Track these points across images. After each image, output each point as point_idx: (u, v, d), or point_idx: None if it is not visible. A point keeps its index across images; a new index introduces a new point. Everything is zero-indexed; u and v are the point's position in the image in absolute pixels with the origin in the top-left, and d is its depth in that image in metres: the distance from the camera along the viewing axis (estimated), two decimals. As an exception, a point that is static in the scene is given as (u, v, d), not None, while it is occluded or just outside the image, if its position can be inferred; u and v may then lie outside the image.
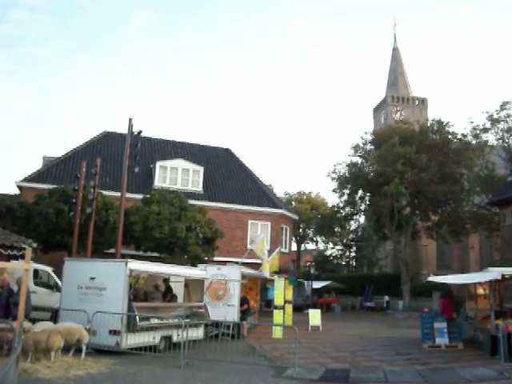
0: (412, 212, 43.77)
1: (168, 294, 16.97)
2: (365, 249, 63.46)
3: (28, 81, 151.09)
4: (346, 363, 14.36)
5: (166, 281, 17.26)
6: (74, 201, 21.97)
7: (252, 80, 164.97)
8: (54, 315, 15.99)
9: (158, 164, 35.53)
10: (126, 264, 14.09)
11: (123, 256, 18.65)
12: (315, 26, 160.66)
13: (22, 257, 13.63)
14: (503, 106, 39.42)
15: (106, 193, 25.81)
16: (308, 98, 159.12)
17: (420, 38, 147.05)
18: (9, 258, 14.72)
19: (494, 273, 15.77)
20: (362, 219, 56.92)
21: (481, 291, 20.37)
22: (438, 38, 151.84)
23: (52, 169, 33.49)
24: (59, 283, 17.49)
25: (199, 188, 35.99)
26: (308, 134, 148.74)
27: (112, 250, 22.12)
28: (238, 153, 43.25)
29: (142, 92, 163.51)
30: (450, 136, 42.08)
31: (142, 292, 16.74)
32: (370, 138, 46.28)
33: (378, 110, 76.38)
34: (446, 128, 42.32)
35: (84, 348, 12.49)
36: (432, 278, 21.39)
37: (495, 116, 39.82)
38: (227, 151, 42.53)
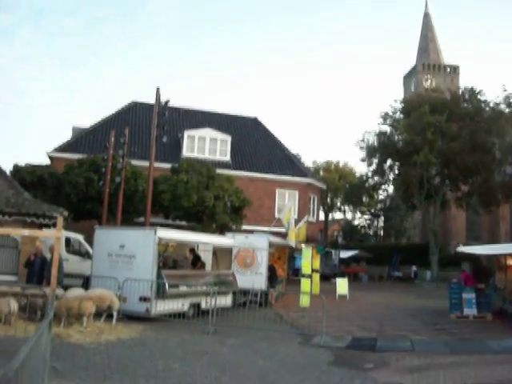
0: (442, 182, 43.22)
1: (198, 262, 17.15)
2: (393, 218, 63.19)
3: (57, 52, 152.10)
4: (372, 332, 14.41)
5: (193, 250, 17.41)
6: (103, 170, 22.28)
7: (280, 48, 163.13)
8: (86, 282, 16.35)
9: (186, 133, 35.63)
10: (155, 232, 14.24)
11: (152, 224, 18.87)
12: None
13: (54, 225, 13.89)
14: (538, 73, 38.28)
15: (134, 162, 26.02)
16: (337, 64, 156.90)
17: (452, 2, 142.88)
18: (41, 227, 15.07)
19: (526, 243, 15.52)
20: (391, 189, 56.52)
21: (511, 262, 20.12)
22: (469, 3, 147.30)
23: (81, 139, 33.88)
24: (90, 251, 17.82)
25: (227, 157, 36.04)
26: (337, 102, 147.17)
27: (141, 219, 22.45)
28: (265, 122, 43.10)
29: (169, 62, 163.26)
30: (482, 104, 41.16)
31: (170, 260, 16.98)
32: (399, 106, 45.56)
33: (408, 77, 74.86)
34: (478, 96, 41.39)
35: (115, 314, 12.75)
36: (461, 249, 21.19)
37: (530, 83, 38.69)
38: (255, 120, 42.36)
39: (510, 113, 39.81)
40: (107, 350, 9.76)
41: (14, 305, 11.04)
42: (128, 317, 13.35)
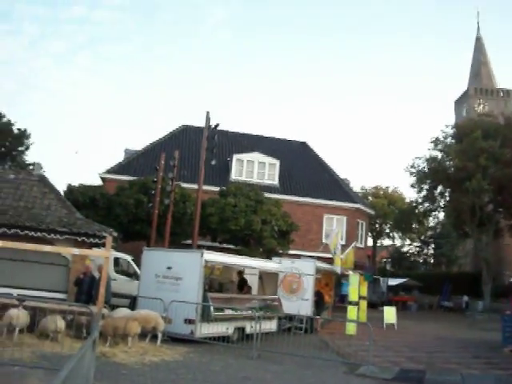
0: (495, 209, 42.06)
1: (244, 286, 17.12)
2: (443, 246, 61.60)
3: (111, 77, 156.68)
4: (421, 364, 13.99)
5: (241, 273, 17.42)
6: (153, 192, 22.65)
7: (330, 72, 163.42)
8: (133, 302, 16.52)
9: (235, 157, 35.93)
10: (202, 255, 14.32)
11: (200, 247, 19.02)
12: (394, 15, 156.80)
13: (104, 245, 14.13)
14: None
15: (183, 185, 26.37)
16: (388, 88, 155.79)
17: (505, 26, 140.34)
18: (91, 246, 15.35)
19: None
20: (441, 215, 55.29)
21: None
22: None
23: (133, 161, 34.63)
24: (138, 272, 18.02)
25: (275, 181, 36.10)
26: (387, 127, 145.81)
27: (189, 241, 22.63)
28: (314, 146, 43.07)
29: (219, 86, 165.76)
30: (537, 128, 39.96)
31: (216, 283, 17.01)
32: (451, 131, 44.78)
33: (459, 102, 73.55)
34: (533, 121, 40.26)
35: (160, 335, 12.82)
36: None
37: None
38: (303, 144, 42.39)
39: None
40: (151, 371, 9.80)
41: (60, 323, 11.25)
42: (173, 339, 13.40)
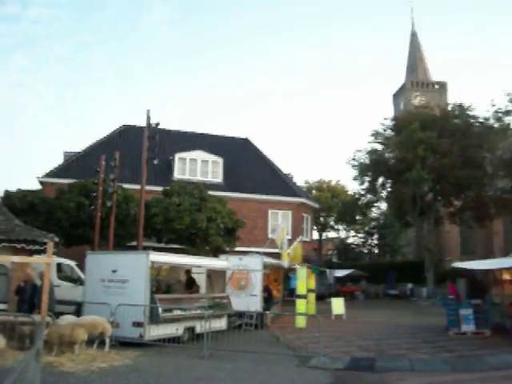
0: (434, 198, 43.21)
1: (193, 285, 16.94)
2: (387, 236, 62.98)
3: (47, 77, 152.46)
4: (371, 352, 14.19)
5: (188, 272, 17.24)
6: (94, 195, 22.15)
7: (268, 68, 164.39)
8: (78, 309, 16.07)
9: (177, 156, 35.58)
10: (148, 256, 14.08)
11: (145, 248, 18.74)
12: (331, 10, 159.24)
13: (45, 251, 13.70)
14: (526, 88, 38.56)
15: (125, 186, 25.88)
16: (327, 83, 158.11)
17: (438, 21, 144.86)
18: (32, 253, 14.84)
19: (521, 257, 15.43)
20: (384, 206, 56.44)
21: (507, 277, 20.02)
22: (455, 20, 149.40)
23: (72, 164, 33.75)
24: (82, 277, 17.58)
25: (219, 179, 35.97)
26: (327, 121, 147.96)
27: (134, 243, 22.25)
28: (256, 142, 43.14)
29: (158, 85, 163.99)
30: (471, 120, 41.29)
31: (164, 283, 16.76)
32: (390, 123, 45.66)
33: (397, 95, 75.41)
34: (468, 112, 41.51)
35: (107, 340, 12.51)
36: (457, 264, 21.08)
37: (517, 98, 38.84)
38: (246, 141, 42.41)
39: (499, 127, 39.95)
40: (100, 378, 9.54)
41: (1, 341, 10.73)
42: (121, 343, 13.11)
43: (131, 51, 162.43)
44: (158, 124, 20.02)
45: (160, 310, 13.64)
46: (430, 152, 39.20)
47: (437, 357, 13.32)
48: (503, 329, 17.54)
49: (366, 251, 71.04)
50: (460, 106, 42.03)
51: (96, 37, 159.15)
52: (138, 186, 22.28)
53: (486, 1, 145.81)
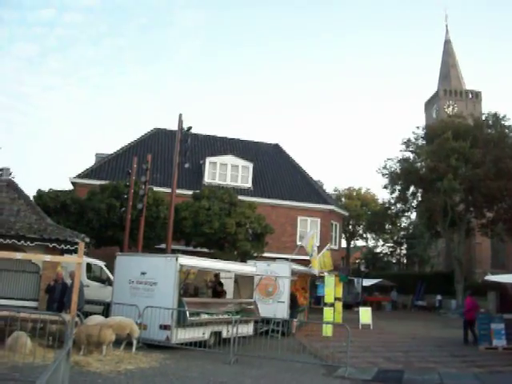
0: (466, 209, 42.56)
1: (222, 289, 16.96)
2: (416, 246, 62.18)
3: (81, 81, 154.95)
4: (398, 364, 13.99)
5: (217, 276, 17.26)
6: (125, 196, 22.35)
7: (303, 74, 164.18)
8: (106, 309, 16.21)
9: (208, 160, 35.73)
10: (177, 259, 14.12)
11: (173, 251, 18.78)
12: (367, 17, 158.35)
13: (76, 251, 13.85)
14: None
15: (156, 189, 26.10)
16: (359, 91, 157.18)
17: (473, 29, 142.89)
18: (63, 253, 15.03)
19: (557, 272, 15.04)
20: (414, 216, 55.81)
21: (540, 291, 19.56)
22: (490, 29, 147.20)
23: (104, 165, 34.17)
24: (111, 277, 17.72)
25: (248, 184, 36.00)
26: (359, 128, 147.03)
27: (163, 246, 22.37)
28: (287, 148, 43.12)
29: (191, 89, 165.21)
30: (506, 130, 40.61)
31: (192, 287, 16.79)
32: (421, 132, 45.23)
33: (429, 104, 74.51)
34: (502, 122, 40.89)
35: (135, 342, 12.59)
36: (489, 277, 20.67)
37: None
38: (276, 147, 42.40)
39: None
40: (127, 380, 9.57)
41: (28, 343, 10.79)
42: (148, 345, 13.18)
43: (164, 55, 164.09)
44: (190, 128, 20.10)
45: (187, 313, 13.66)
46: (463, 162, 38.66)
47: (467, 371, 13.05)
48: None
49: (394, 261, 70.31)
50: (494, 115, 41.38)
51: (129, 41, 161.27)
52: (168, 189, 22.43)
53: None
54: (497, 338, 17.14)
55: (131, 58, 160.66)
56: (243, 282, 17.97)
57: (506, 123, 40.78)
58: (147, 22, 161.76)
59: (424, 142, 43.97)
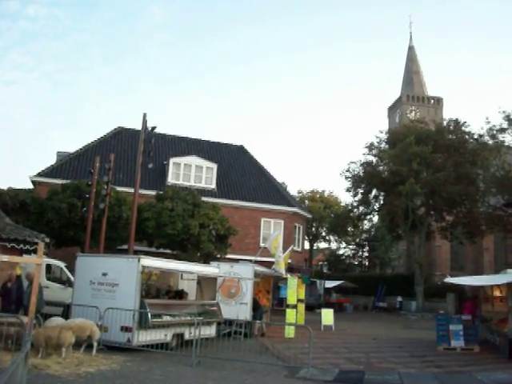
0: (427, 212, 43.35)
1: (171, 292, 16.90)
2: (378, 249, 63.03)
3: (44, 76, 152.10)
4: (360, 364, 14.13)
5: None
6: (87, 196, 21.97)
7: (266, 77, 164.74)
8: (66, 311, 15.92)
9: (172, 160, 35.46)
10: (139, 260, 13.97)
11: (136, 252, 18.59)
12: (331, 23, 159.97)
13: (35, 251, 13.57)
14: (521, 106, 38.80)
15: (119, 188, 25.76)
16: (322, 95, 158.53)
17: (436, 36, 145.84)
18: (22, 253, 14.65)
19: (514, 275, 15.44)
20: (376, 219, 56.58)
21: (497, 293, 20.03)
22: (453, 37, 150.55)
23: (66, 164, 33.56)
24: (72, 278, 17.43)
25: (213, 185, 35.87)
26: (322, 132, 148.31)
27: (125, 246, 22.11)
28: (251, 150, 43.13)
29: (155, 89, 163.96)
30: (466, 136, 41.54)
31: (154, 289, 16.63)
32: (384, 136, 45.96)
33: (392, 109, 75.71)
34: (463, 128, 41.80)
35: (95, 344, 12.40)
36: (449, 279, 21.10)
37: (512, 116, 39.11)
38: (241, 148, 42.38)
39: (493, 144, 40.18)
40: (86, 383, 9.41)
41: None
42: (109, 347, 13.00)
43: (129, 53, 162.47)
44: (154, 128, 19.93)
45: (149, 315, 13.52)
46: (424, 166, 39.43)
47: (426, 372, 13.29)
48: (492, 345, 17.54)
49: (356, 263, 71.08)
50: (455, 121, 42.28)
51: (94, 37, 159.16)
52: (131, 190, 22.18)
53: (483, 20, 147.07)
54: (455, 339, 17.47)
55: (96, 54, 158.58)
56: (206, 284, 17.88)
57: (466, 129, 41.74)
58: (114, 17, 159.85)
59: (387, 146, 44.64)
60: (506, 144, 40.45)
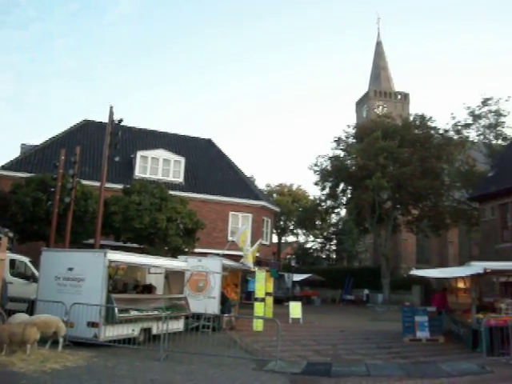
0: (393, 206, 43.95)
1: (139, 286, 16.77)
2: (345, 242, 63.66)
3: (7, 66, 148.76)
4: (327, 356, 14.25)
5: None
6: (52, 190, 21.59)
7: (235, 71, 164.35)
8: (31, 307, 15.63)
9: (139, 154, 35.08)
10: (105, 254, 13.81)
11: (102, 247, 18.36)
12: (300, 18, 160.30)
13: (-2, 246, 13.27)
14: (485, 103, 39.54)
15: (85, 182, 25.36)
16: (291, 90, 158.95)
17: (403, 32, 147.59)
18: (-16, 248, 14.35)
19: (477, 267, 15.75)
20: (343, 212, 57.11)
21: (461, 285, 20.48)
22: (420, 33, 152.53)
23: (30, 157, 32.89)
24: (36, 274, 17.12)
25: (180, 179, 35.64)
26: (291, 126, 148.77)
27: (91, 241, 21.84)
28: (220, 144, 42.97)
29: (123, 81, 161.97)
30: (432, 131, 42.26)
31: (121, 283, 16.46)
32: (352, 131, 46.40)
33: (360, 103, 76.37)
34: (429, 123, 42.50)
35: (61, 340, 12.22)
36: (414, 272, 21.44)
37: (477, 112, 39.96)
38: (209, 142, 42.19)
39: (458, 140, 40.99)
40: (52, 379, 9.30)
41: None
42: (75, 343, 12.82)
43: (96, 43, 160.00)
44: (120, 120, 19.66)
45: (116, 310, 13.38)
46: (391, 161, 39.94)
47: (392, 362, 13.49)
48: (456, 336, 17.91)
49: (324, 256, 71.68)
50: (421, 116, 42.93)
51: (60, 28, 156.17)
52: (97, 183, 21.91)
53: (451, 16, 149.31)
54: (420, 330, 17.79)
55: (61, 45, 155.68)
56: (174, 278, 17.79)
57: (432, 124, 42.46)
58: (79, 7, 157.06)
59: (354, 141, 45.07)
60: (471, 139, 41.37)
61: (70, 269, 14.10)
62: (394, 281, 43.89)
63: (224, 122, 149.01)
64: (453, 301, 20.55)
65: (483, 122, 40.22)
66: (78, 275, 13.94)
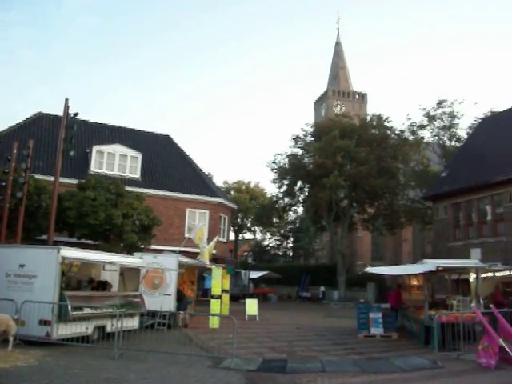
0: (349, 204, 44.54)
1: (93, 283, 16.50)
2: (302, 240, 64.18)
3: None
4: (283, 353, 14.31)
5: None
6: (3, 184, 21.00)
7: (192, 68, 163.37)
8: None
9: (95, 148, 34.42)
10: (58, 251, 13.50)
11: (56, 243, 17.97)
12: (259, 15, 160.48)
13: None
14: (440, 104, 40.50)
15: (38, 177, 24.72)
16: (251, 87, 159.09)
17: (362, 34, 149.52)
18: None
19: (429, 264, 16.11)
20: (301, 210, 57.52)
21: (414, 282, 20.91)
22: (379, 34, 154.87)
23: (-19, 150, 31.90)
24: (-14, 271, 16.60)
25: (137, 174, 35.16)
26: (249, 123, 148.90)
27: (44, 237, 21.40)
28: (177, 140, 42.65)
29: (80, 74, 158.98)
30: (388, 131, 43.02)
31: (74, 280, 16.14)
32: (310, 129, 46.74)
33: (319, 102, 77.08)
34: (385, 123, 43.26)
35: (11, 339, 11.90)
36: (369, 269, 21.70)
37: (432, 113, 40.88)
38: (167, 138, 41.79)
39: (413, 140, 41.87)
40: (1, 380, 9.01)
41: None
42: (26, 342, 12.53)
43: (53, 33, 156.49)
44: (76, 114, 19.32)
45: (69, 307, 13.11)
46: (348, 160, 40.46)
47: (347, 358, 13.67)
48: (409, 332, 18.28)
49: (280, 254, 72.09)
50: (378, 117, 43.63)
51: (13, 18, 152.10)
52: (51, 178, 21.42)
53: (410, 18, 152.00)
54: (375, 326, 18.10)
55: (16, 34, 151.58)
56: (129, 275, 17.59)
57: (389, 125, 43.25)
58: None
59: (312, 139, 45.41)
60: (426, 140, 42.34)
61: (22, 265, 13.72)
62: (350, 278, 44.50)
63: (182, 119, 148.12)
64: (406, 298, 20.94)
65: (438, 123, 41.26)
66: (30, 272, 13.58)
